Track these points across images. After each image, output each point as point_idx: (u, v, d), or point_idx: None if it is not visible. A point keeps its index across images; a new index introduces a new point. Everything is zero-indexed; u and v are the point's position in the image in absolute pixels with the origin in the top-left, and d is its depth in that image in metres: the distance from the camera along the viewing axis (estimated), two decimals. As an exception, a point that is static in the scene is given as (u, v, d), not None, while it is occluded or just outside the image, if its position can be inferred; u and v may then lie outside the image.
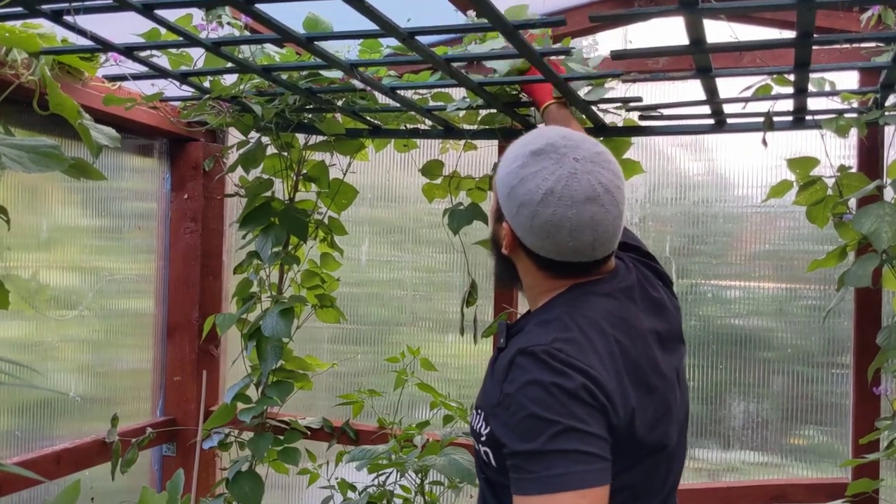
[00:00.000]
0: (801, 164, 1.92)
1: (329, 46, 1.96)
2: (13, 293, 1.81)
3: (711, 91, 1.78)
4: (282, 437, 2.31)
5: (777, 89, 1.81)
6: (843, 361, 2.33)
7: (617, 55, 1.52)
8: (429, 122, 2.21)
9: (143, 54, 1.80)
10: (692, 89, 2.39)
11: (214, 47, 1.65)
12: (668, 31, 2.44)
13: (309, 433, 2.43)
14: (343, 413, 2.50)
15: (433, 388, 2.33)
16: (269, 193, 2.31)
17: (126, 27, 1.81)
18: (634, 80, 1.73)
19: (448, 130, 2.21)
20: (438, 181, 2.31)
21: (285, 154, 2.31)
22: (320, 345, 2.75)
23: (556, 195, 1.17)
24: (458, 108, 1.97)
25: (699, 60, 1.57)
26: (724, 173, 2.47)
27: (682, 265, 2.46)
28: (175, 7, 1.47)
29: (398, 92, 1.93)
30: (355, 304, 2.74)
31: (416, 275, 2.76)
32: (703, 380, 2.45)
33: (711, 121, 2.03)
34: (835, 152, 2.03)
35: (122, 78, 1.89)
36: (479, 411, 1.21)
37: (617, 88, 2.00)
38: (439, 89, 2.04)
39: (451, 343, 2.68)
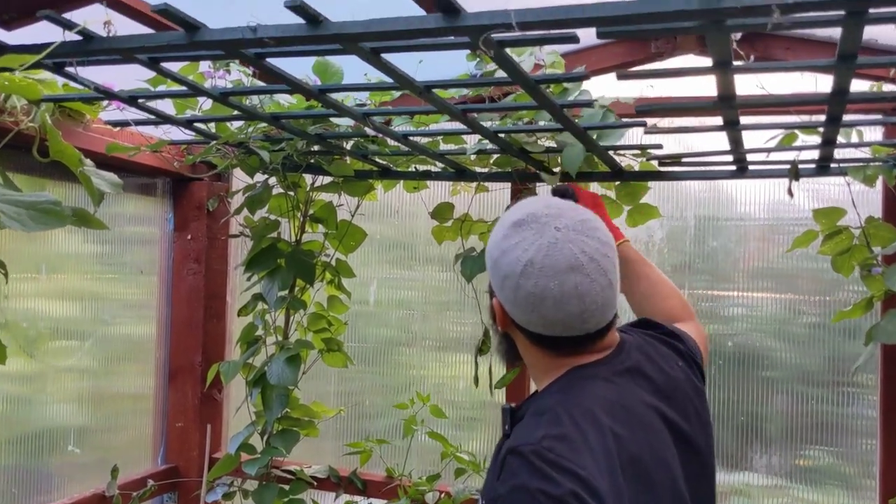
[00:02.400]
0: (827, 215, 1.86)
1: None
2: (12, 341, 1.75)
3: (736, 141, 1.71)
4: (287, 488, 2.24)
5: (802, 137, 1.75)
6: (846, 380, 2.26)
7: (642, 110, 1.46)
8: (440, 164, 2.15)
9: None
10: (712, 133, 2.35)
11: (222, 98, 1.59)
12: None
13: (315, 483, 2.36)
14: (350, 458, 2.43)
15: (444, 439, 2.26)
16: (274, 234, 2.25)
17: (130, 71, 1.75)
18: (658, 132, 1.66)
19: (460, 173, 2.15)
20: (449, 224, 2.25)
21: (292, 194, 2.25)
22: (323, 366, 2.68)
23: (537, 266, 1.14)
24: (481, 151, 1.91)
25: (727, 115, 1.51)
26: (726, 189, 2.41)
27: (683, 282, 2.39)
28: (182, 60, 1.40)
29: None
30: (357, 323, 2.66)
31: (418, 294, 2.69)
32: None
33: (733, 167, 1.97)
34: (857, 190, 1.96)
35: (125, 124, 1.84)
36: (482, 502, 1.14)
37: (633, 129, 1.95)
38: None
39: (453, 363, 2.61)
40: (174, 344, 2.43)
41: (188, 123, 1.80)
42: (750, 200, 2.37)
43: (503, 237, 1.21)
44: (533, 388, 1.30)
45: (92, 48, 1.31)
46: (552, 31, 1.20)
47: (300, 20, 1.18)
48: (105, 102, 1.93)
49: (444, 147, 2.02)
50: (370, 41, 1.19)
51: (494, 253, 1.21)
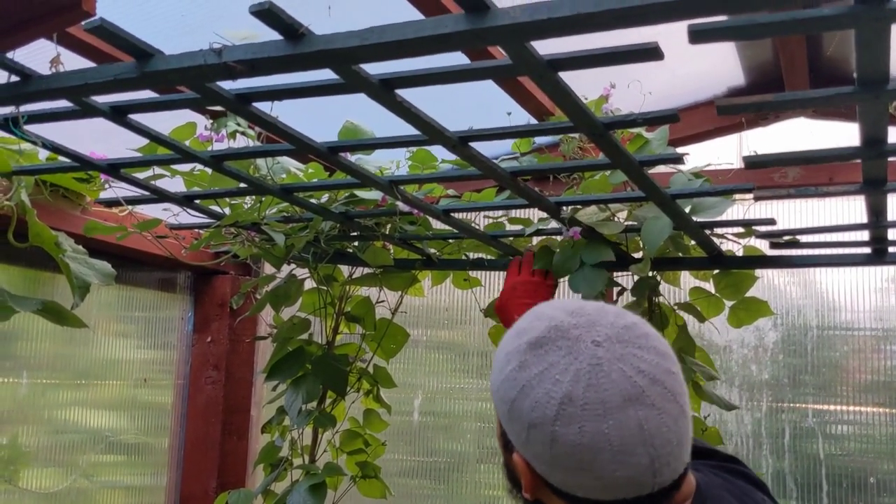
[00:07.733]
0: None
1: (371, 161, 1.59)
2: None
3: (877, 211, 1.30)
4: None
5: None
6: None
7: (753, 161, 1.07)
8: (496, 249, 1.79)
9: (144, 175, 1.46)
10: (831, 209, 1.94)
11: (214, 162, 1.28)
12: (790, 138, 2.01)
13: None
14: None
15: None
16: (305, 336, 1.91)
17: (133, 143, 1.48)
18: (772, 198, 1.27)
19: (519, 261, 1.78)
20: (508, 323, 1.87)
21: (325, 288, 1.92)
22: (390, 479, 2.32)
23: (578, 403, 0.80)
24: (541, 232, 1.55)
25: (871, 169, 1.11)
26: (828, 296, 2.20)
27: (785, 398, 2.19)
28: (150, 110, 1.11)
29: (454, 215, 1.53)
30: (427, 436, 2.47)
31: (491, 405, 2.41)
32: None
33: (867, 249, 1.54)
34: None
35: (116, 203, 1.55)
36: None
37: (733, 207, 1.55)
38: (507, 211, 1.64)
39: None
40: (187, 468, 2.07)
41: (187, 200, 1.50)
42: (855, 308, 2.15)
43: (519, 366, 0.85)
44: None
45: (28, 90, 1.03)
46: (623, 46, 0.86)
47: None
48: (103, 180, 1.67)
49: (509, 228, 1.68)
50: (368, 58, 0.86)
51: (507, 392, 0.85)
